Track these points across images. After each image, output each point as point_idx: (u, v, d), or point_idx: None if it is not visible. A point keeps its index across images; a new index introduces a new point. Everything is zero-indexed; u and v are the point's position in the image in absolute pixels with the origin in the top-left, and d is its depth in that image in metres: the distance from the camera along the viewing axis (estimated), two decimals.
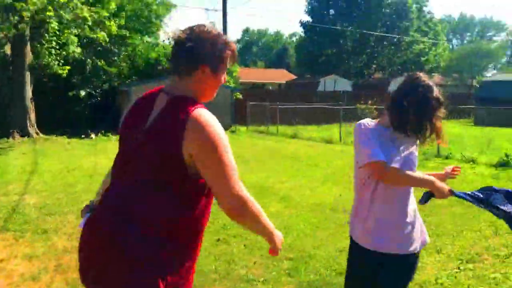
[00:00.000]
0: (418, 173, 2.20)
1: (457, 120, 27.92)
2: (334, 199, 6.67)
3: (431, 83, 2.14)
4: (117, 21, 15.99)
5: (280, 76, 46.70)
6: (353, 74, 43.09)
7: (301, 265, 4.11)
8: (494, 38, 68.50)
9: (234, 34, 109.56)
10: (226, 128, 18.84)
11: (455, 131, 15.76)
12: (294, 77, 46.41)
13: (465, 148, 11.51)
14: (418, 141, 2.19)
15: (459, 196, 2.21)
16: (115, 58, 18.69)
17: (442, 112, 2.13)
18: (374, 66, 44.15)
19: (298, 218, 5.74)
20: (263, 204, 6.64)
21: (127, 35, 18.23)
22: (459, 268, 4.06)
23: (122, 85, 18.14)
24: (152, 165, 1.61)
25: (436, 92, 2.12)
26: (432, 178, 2.20)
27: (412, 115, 2.07)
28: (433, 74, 47.81)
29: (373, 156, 2.05)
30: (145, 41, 19.94)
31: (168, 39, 21.16)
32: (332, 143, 14.22)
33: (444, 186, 2.19)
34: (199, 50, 1.64)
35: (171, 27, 21.67)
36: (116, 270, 1.56)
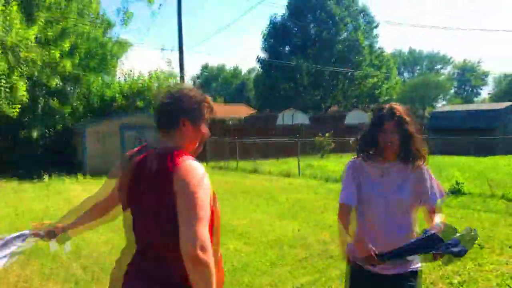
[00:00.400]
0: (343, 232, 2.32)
1: None
2: (293, 235, 6.65)
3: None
4: (71, 60, 15.79)
5: (240, 111, 47.17)
6: (311, 107, 44.11)
7: None
8: (442, 71, 72.39)
9: (193, 70, 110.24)
10: None
11: None
12: (253, 111, 46.99)
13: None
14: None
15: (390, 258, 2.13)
16: (69, 97, 18.34)
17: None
18: (330, 99, 45.41)
19: (256, 255, 5.66)
20: (221, 241, 6.52)
21: (82, 74, 17.99)
22: None
23: (76, 124, 17.74)
24: (160, 222, 1.75)
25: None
26: (348, 239, 2.30)
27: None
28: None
29: (340, 199, 2.38)
30: (100, 79, 19.70)
31: (124, 77, 21.09)
32: (290, 177, 14.32)
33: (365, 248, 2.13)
34: (178, 106, 1.84)
35: (127, 65, 21.61)
36: None
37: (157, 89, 20.85)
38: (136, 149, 1.95)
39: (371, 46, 44.45)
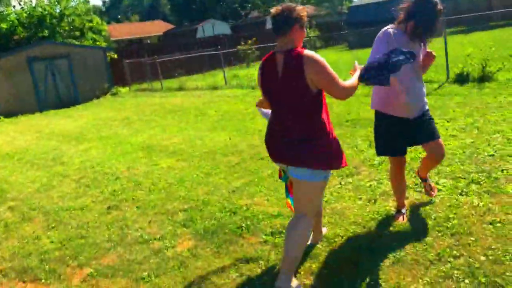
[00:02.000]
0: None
1: (333, 47, 29.46)
2: (224, 144, 6.73)
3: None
4: None
5: (158, 28, 44.80)
6: (230, 15, 42.77)
7: (196, 214, 4.14)
8: None
9: None
10: (105, 91, 17.81)
11: (331, 59, 16.58)
12: (172, 26, 44.85)
13: (341, 72, 12.20)
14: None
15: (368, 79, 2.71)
16: None
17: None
18: (249, 5, 44.14)
19: (190, 169, 5.72)
20: (153, 162, 6.46)
21: None
22: (340, 183, 4.39)
23: None
24: (293, 97, 2.53)
25: (439, 5, 2.92)
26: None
27: (421, 29, 2.96)
28: (307, 5, 49.20)
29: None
30: None
31: (21, 5, 18.93)
32: (218, 89, 14.20)
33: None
34: (290, 15, 2.51)
35: None
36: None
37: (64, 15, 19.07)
38: (265, 57, 2.67)
39: None
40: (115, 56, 19.70)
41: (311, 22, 31.65)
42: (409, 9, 3.00)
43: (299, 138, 2.57)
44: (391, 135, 3.23)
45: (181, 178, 5.37)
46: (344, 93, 2.52)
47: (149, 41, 36.98)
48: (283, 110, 2.61)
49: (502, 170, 3.99)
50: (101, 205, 4.79)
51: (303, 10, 2.56)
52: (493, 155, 4.42)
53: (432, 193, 3.60)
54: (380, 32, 3.06)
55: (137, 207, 4.61)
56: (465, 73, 8.58)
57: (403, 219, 3.37)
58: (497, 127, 5.33)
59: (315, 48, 20.26)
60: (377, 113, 3.28)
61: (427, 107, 3.23)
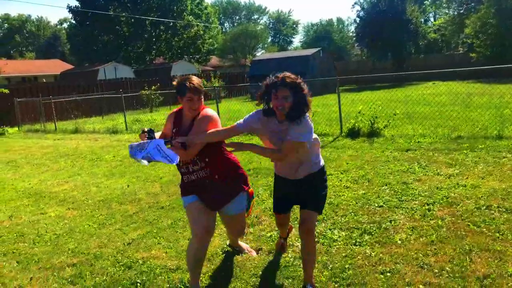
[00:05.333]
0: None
1: (237, 97, 30.31)
2: (121, 192, 6.39)
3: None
4: None
5: (54, 67, 42.62)
6: (134, 60, 42.28)
7: (86, 269, 3.79)
8: (259, 21, 76.14)
9: None
10: None
11: (235, 108, 16.98)
12: (70, 67, 42.97)
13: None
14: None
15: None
16: None
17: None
18: (154, 51, 44.10)
19: (82, 218, 5.30)
20: (40, 210, 5.89)
21: None
22: None
23: None
24: None
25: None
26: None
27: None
28: (210, 56, 50.51)
29: None
30: None
31: None
32: (118, 133, 13.67)
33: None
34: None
35: None
36: None
37: None
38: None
39: None
40: (6, 91, 18.21)
41: (216, 72, 32.48)
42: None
43: None
44: (277, 193, 3.37)
45: (71, 229, 4.93)
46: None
47: (44, 80, 34.86)
48: None
49: (391, 221, 4.27)
50: None
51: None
52: (382, 206, 4.73)
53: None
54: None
55: (17, 262, 4.11)
56: (356, 128, 9.27)
57: (284, 248, 3.77)
58: (385, 179, 5.76)
59: (219, 98, 20.62)
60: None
61: (317, 169, 3.13)
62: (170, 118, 3.33)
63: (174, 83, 3.17)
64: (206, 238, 3.09)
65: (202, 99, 3.16)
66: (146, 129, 3.13)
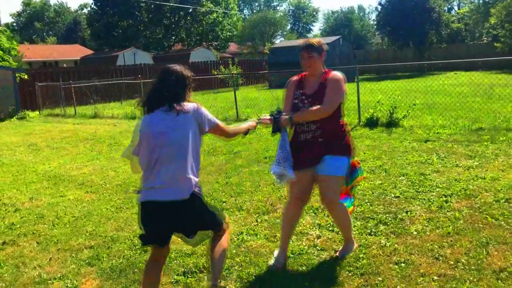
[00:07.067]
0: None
1: (255, 85, 30.23)
2: (139, 176, 6.45)
3: None
4: None
5: (75, 52, 43.09)
6: (153, 46, 42.44)
7: (103, 251, 3.86)
8: (279, 8, 75.52)
9: (10, 7, 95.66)
10: (11, 115, 16.55)
11: (252, 96, 16.96)
12: (90, 52, 43.37)
13: (261, 109, 12.51)
14: None
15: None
16: None
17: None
18: (173, 37, 44.19)
19: (100, 202, 5.39)
20: (59, 193, 6.00)
21: None
22: (256, 221, 4.37)
23: None
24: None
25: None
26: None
27: None
28: (229, 43, 50.38)
29: None
30: None
31: None
32: (136, 119, 13.79)
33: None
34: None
35: None
36: None
37: None
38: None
39: None
40: (26, 77, 18.50)
41: (234, 59, 32.38)
42: None
43: None
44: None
45: (89, 212, 5.03)
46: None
47: (65, 65, 35.31)
48: None
49: (407, 212, 4.23)
50: None
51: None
52: (398, 196, 4.69)
53: None
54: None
55: (37, 242, 4.21)
56: (374, 118, 9.17)
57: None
58: (403, 170, 5.70)
59: (237, 85, 20.59)
60: None
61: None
62: (292, 86, 3.44)
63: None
64: (298, 203, 3.37)
65: (316, 58, 3.25)
66: (274, 112, 3.22)
